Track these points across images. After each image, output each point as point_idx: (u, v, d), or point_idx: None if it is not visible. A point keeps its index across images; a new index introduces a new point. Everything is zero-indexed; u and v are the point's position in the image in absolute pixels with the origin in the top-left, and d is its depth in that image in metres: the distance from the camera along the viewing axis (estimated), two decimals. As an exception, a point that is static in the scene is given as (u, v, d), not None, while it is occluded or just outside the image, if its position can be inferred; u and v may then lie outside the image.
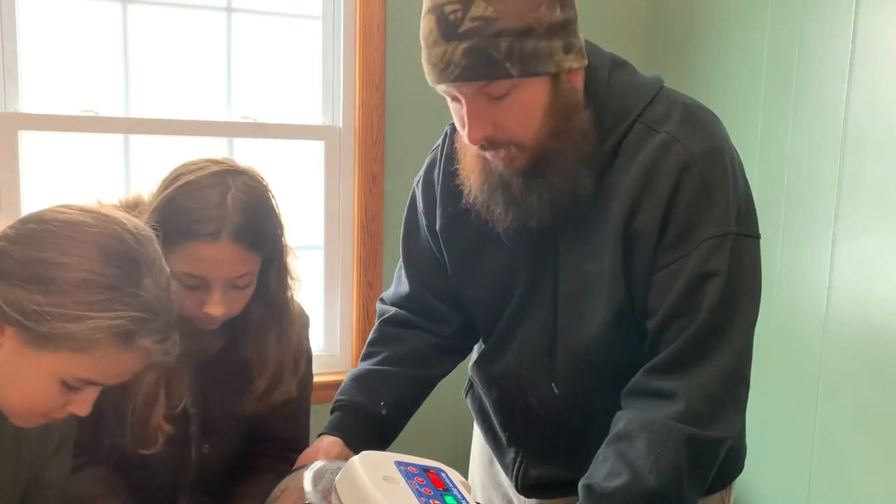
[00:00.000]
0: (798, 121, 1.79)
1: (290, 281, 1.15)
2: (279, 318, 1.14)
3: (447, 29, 0.89)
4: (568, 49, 0.93)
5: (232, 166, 1.07)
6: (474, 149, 0.98)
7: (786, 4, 1.82)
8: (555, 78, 0.93)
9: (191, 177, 1.04)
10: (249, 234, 1.03)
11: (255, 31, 2.02)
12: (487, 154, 0.97)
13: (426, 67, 0.94)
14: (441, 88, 0.95)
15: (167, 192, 1.04)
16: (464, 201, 1.04)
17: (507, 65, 0.89)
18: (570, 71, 0.94)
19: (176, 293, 1.01)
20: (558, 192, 0.97)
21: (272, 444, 1.24)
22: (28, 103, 1.83)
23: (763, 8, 1.88)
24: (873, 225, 1.60)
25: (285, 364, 1.16)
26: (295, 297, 1.18)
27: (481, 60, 0.88)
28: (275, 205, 1.09)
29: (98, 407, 1.03)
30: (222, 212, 1.01)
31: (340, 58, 2.04)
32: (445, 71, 0.90)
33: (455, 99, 0.95)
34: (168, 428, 1.08)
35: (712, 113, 1.02)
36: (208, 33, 1.98)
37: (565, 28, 0.92)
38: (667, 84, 1.03)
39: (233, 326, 1.12)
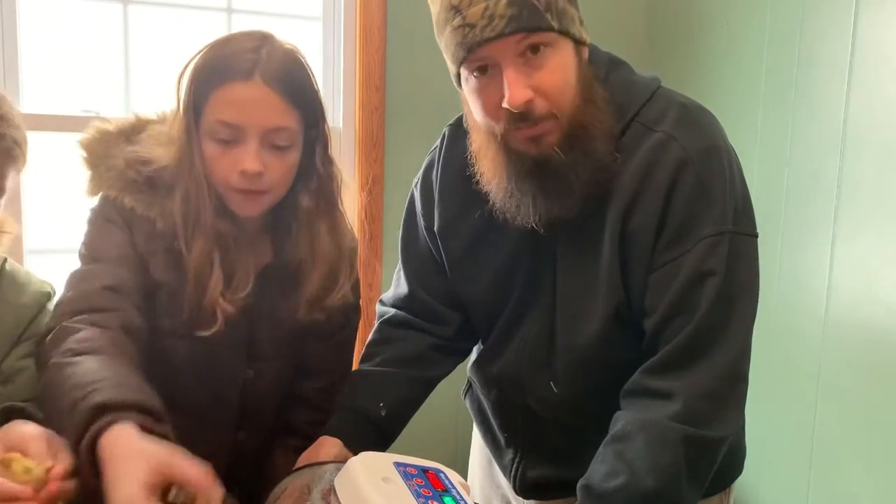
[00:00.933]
0: (797, 122, 1.79)
1: (337, 173, 1.10)
2: (330, 209, 1.08)
3: None
4: (581, 22, 0.96)
5: (270, 33, 1.04)
6: (496, 143, 0.96)
7: (785, 5, 1.82)
8: (577, 47, 0.95)
9: (228, 35, 1.03)
10: (285, 80, 0.98)
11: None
12: (518, 130, 0.94)
13: (458, 36, 0.91)
14: (477, 57, 0.92)
15: (204, 53, 1.02)
16: (468, 206, 1.03)
17: (549, 16, 0.90)
18: (583, 44, 0.96)
19: (209, 158, 0.99)
20: (598, 162, 0.95)
21: (303, 417, 1.18)
22: (29, 103, 1.83)
23: (762, 8, 1.89)
24: (872, 226, 1.61)
25: (340, 263, 1.10)
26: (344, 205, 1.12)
27: (525, 10, 0.89)
28: (314, 80, 1.04)
29: (153, 298, 1.03)
30: (256, 55, 0.98)
31: (341, 59, 2.04)
32: (489, 25, 0.89)
33: (482, 71, 0.93)
34: (228, 307, 1.02)
35: (709, 112, 1.02)
36: (209, 34, 1.98)
37: (577, 3, 0.95)
38: (666, 85, 1.04)
39: (281, 226, 1.07)
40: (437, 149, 1.14)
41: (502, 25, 0.89)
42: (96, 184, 1.05)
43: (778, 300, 1.81)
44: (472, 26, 0.90)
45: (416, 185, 1.18)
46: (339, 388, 1.17)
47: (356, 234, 1.22)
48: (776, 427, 1.84)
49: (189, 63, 1.02)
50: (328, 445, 1.06)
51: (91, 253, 1.03)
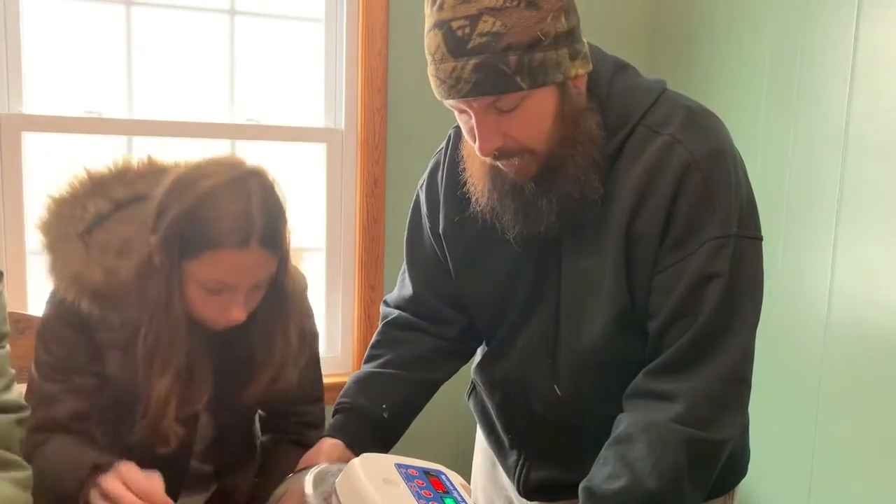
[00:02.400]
0: (799, 125, 1.79)
1: (291, 270, 1.15)
2: (284, 310, 1.13)
3: (455, 45, 0.89)
4: (574, 56, 0.93)
5: (245, 168, 1.06)
6: (484, 158, 0.98)
7: (787, 9, 1.82)
8: (562, 86, 0.94)
9: (208, 184, 1.02)
10: (273, 237, 1.04)
11: (258, 33, 2.02)
12: (499, 163, 0.97)
13: (434, 83, 0.94)
14: (450, 103, 0.95)
15: (186, 202, 1.01)
16: (469, 206, 1.04)
17: (517, 78, 0.89)
18: (576, 77, 0.95)
19: (196, 300, 1.04)
20: (569, 197, 0.97)
21: (288, 414, 1.24)
22: (31, 105, 1.83)
23: (765, 12, 1.89)
24: (875, 229, 1.60)
25: (289, 356, 1.15)
26: (295, 280, 1.17)
27: (491, 75, 0.88)
28: (286, 204, 1.09)
29: (103, 379, 1.08)
30: (249, 220, 1.00)
31: (343, 60, 2.04)
32: (455, 87, 0.90)
33: (463, 112, 0.95)
34: (180, 430, 1.08)
35: (715, 115, 1.03)
36: (211, 36, 1.99)
37: (570, 35, 0.93)
38: (669, 88, 1.04)
39: (245, 324, 1.11)
40: (443, 150, 1.15)
41: (467, 89, 0.90)
42: (55, 278, 1.06)
43: (780, 303, 1.81)
44: (443, 81, 0.92)
45: (421, 187, 1.19)
46: (316, 414, 1.25)
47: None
48: (778, 430, 1.84)
49: (172, 212, 1.02)
50: (330, 447, 1.07)
51: (52, 365, 1.08)
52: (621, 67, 1.02)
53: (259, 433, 1.28)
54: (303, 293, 1.23)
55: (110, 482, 0.96)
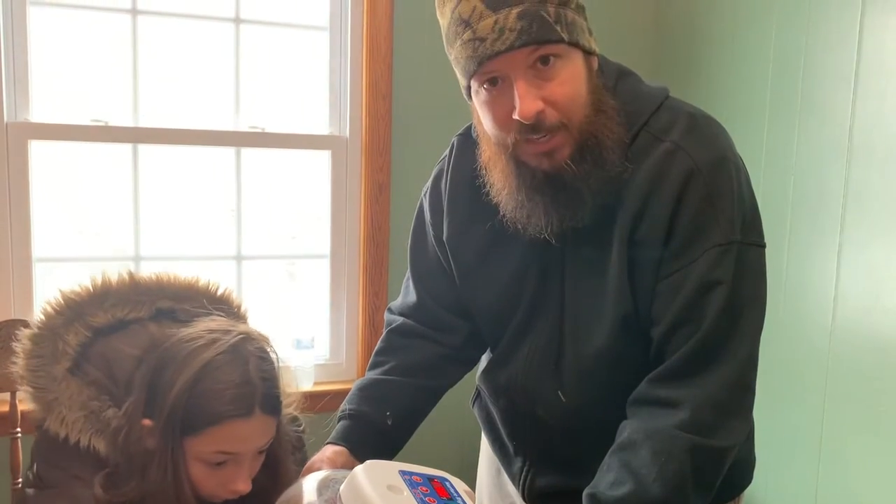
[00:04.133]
0: (804, 131, 1.79)
1: (286, 427, 1.10)
2: (281, 479, 1.08)
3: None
4: (591, 32, 0.96)
5: (239, 332, 1.02)
6: (506, 155, 0.96)
7: (791, 15, 1.83)
8: (587, 57, 0.95)
9: (204, 357, 0.98)
10: (273, 400, 1.01)
11: (262, 41, 2.04)
12: (530, 143, 0.94)
13: (469, 49, 0.91)
14: (486, 69, 0.92)
15: (184, 379, 0.97)
16: (476, 216, 1.03)
17: (559, 28, 0.90)
18: (593, 54, 0.96)
19: (199, 477, 0.99)
20: (607, 177, 0.95)
21: None
22: (38, 113, 1.84)
23: (768, 18, 1.89)
24: (879, 234, 1.60)
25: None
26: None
27: (536, 22, 0.89)
28: (277, 359, 1.05)
29: None
30: (251, 387, 0.98)
31: (347, 68, 2.05)
32: (499, 39, 0.89)
33: (492, 84, 0.93)
34: None
35: (718, 122, 1.03)
36: (217, 44, 2.00)
37: (585, 12, 0.96)
38: (672, 94, 1.04)
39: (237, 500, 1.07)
40: (446, 159, 1.15)
41: (512, 38, 0.89)
42: (56, 425, 0.98)
43: (785, 309, 1.81)
44: (483, 40, 0.90)
45: (425, 195, 1.19)
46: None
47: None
48: (784, 435, 1.83)
49: (166, 392, 0.97)
50: (333, 454, 1.07)
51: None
52: (624, 74, 1.03)
53: None
54: (292, 425, 1.16)
55: None
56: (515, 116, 0.92)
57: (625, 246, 0.97)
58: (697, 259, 0.94)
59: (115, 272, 1.07)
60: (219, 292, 1.12)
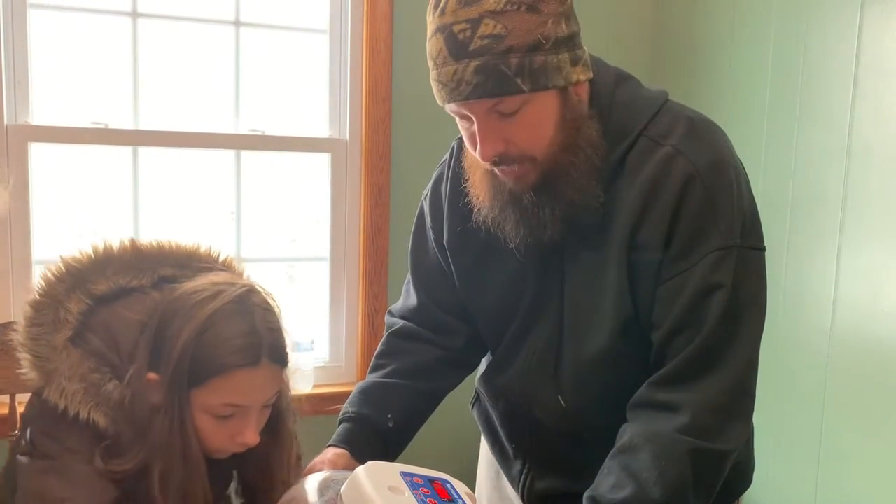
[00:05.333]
0: (802, 134, 1.80)
1: (287, 390, 1.09)
2: (282, 438, 1.08)
3: (457, 48, 0.90)
4: (574, 61, 0.94)
5: (244, 285, 1.01)
6: (484, 166, 0.99)
7: (790, 18, 1.83)
8: (563, 91, 0.94)
9: (211, 307, 0.97)
10: (280, 351, 1.00)
11: (262, 44, 2.04)
12: (498, 170, 0.97)
13: (436, 87, 0.94)
14: (451, 108, 0.95)
15: (190, 330, 0.95)
16: (473, 217, 1.04)
17: (519, 80, 0.89)
18: (577, 83, 0.95)
19: (206, 430, 0.97)
20: (570, 205, 0.97)
21: None
22: (38, 115, 1.85)
23: (767, 21, 1.90)
24: (878, 237, 1.61)
25: (289, 482, 1.09)
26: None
27: (493, 77, 0.89)
28: (280, 311, 1.04)
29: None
30: (257, 337, 0.97)
31: (347, 71, 2.05)
32: (457, 90, 0.91)
33: (465, 117, 0.96)
34: None
35: (717, 126, 1.03)
36: (217, 47, 2.00)
37: (571, 41, 0.94)
38: (672, 98, 1.04)
39: (239, 455, 1.05)
40: (447, 162, 1.15)
41: (468, 91, 0.90)
42: (56, 397, 0.95)
43: (784, 312, 1.81)
44: (444, 84, 0.92)
45: (425, 198, 1.19)
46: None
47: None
48: (783, 439, 1.83)
49: (173, 342, 0.95)
50: (335, 456, 1.07)
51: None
52: (623, 78, 1.03)
53: None
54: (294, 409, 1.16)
55: None
56: (476, 156, 0.95)
57: (625, 250, 0.97)
58: (697, 263, 0.94)
59: (115, 239, 1.05)
60: (221, 258, 1.11)
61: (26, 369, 0.98)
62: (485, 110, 0.92)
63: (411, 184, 1.91)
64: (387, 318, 1.26)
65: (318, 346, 2.14)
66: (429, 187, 1.18)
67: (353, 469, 0.92)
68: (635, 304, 0.98)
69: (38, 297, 0.99)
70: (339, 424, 1.13)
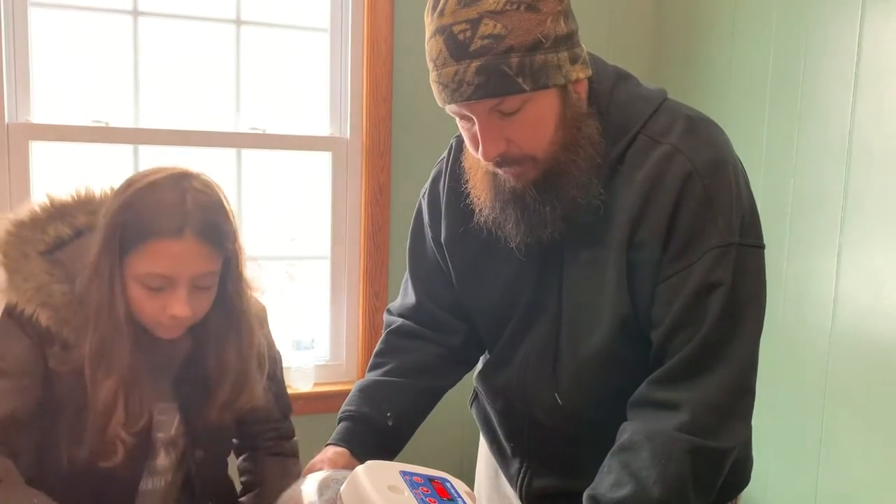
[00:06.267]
0: (803, 133, 1.79)
1: (245, 286, 1.14)
2: (237, 325, 1.14)
3: (457, 49, 0.90)
4: (574, 59, 0.94)
5: (186, 170, 1.07)
6: (484, 165, 0.99)
7: (790, 17, 1.83)
8: (563, 89, 0.94)
9: (146, 180, 1.04)
10: (211, 231, 1.04)
11: (263, 43, 2.04)
12: (500, 170, 0.98)
13: (436, 89, 0.94)
14: (452, 109, 0.95)
15: (123, 196, 1.04)
16: (471, 216, 1.04)
17: (520, 80, 0.90)
18: (577, 81, 0.95)
19: (138, 300, 1.04)
20: (572, 202, 0.97)
21: (262, 431, 1.28)
22: (39, 114, 1.85)
23: (768, 20, 1.89)
24: (879, 236, 1.60)
25: (247, 373, 1.16)
26: (251, 301, 1.18)
27: (494, 77, 0.89)
28: (229, 208, 1.09)
29: (54, 417, 1.06)
30: (183, 210, 1.02)
31: (348, 70, 2.05)
32: (458, 90, 0.91)
33: (465, 118, 0.96)
34: (129, 439, 1.06)
35: (716, 124, 1.03)
36: (218, 45, 2.00)
37: (570, 39, 0.94)
38: (671, 97, 1.04)
39: (193, 337, 1.13)
40: (445, 160, 1.15)
41: (469, 92, 0.90)
42: (13, 293, 1.05)
43: (784, 311, 1.81)
44: (445, 86, 0.92)
45: (423, 196, 1.19)
46: (288, 427, 1.31)
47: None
48: (783, 437, 1.83)
49: (111, 208, 1.04)
50: (334, 454, 1.07)
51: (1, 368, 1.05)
52: (622, 77, 1.03)
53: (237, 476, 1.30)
54: (262, 318, 1.23)
55: None
56: (478, 156, 0.95)
57: (624, 248, 0.97)
58: (696, 261, 0.94)
59: (99, 186, 1.14)
60: None
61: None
62: (486, 110, 0.92)
63: (412, 182, 1.91)
64: (385, 317, 1.26)
65: (319, 345, 2.15)
66: (427, 185, 1.18)
67: (352, 468, 0.92)
68: (634, 303, 0.98)
69: (24, 218, 1.08)
70: (339, 423, 1.13)
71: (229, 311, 1.12)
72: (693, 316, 0.94)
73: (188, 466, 1.17)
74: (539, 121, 0.94)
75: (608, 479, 0.93)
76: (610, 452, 0.96)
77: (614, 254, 0.98)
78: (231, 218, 1.09)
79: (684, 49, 2.18)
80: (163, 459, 1.15)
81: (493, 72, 0.89)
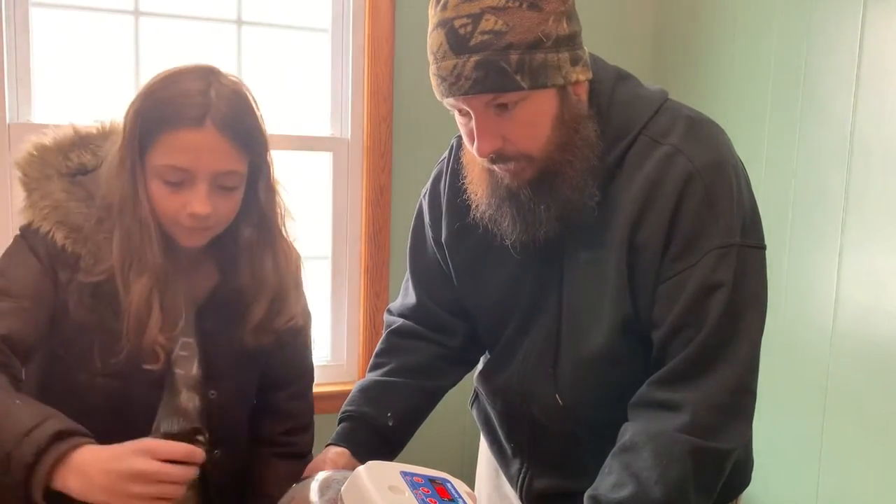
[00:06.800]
0: (804, 133, 1.79)
1: (277, 202, 1.10)
2: (272, 238, 1.09)
3: (457, 43, 0.90)
4: (574, 61, 0.94)
5: (215, 66, 1.03)
6: (481, 162, 0.99)
7: (791, 18, 1.83)
8: (562, 90, 0.94)
9: (170, 71, 1.01)
10: (235, 126, 0.99)
11: (264, 43, 2.04)
12: (495, 167, 0.98)
13: (435, 82, 0.94)
14: (449, 102, 0.95)
15: (145, 87, 1.01)
16: (471, 214, 1.04)
17: (518, 77, 0.90)
18: (576, 83, 0.95)
19: (160, 197, 0.99)
20: (566, 203, 0.97)
21: (277, 428, 1.21)
22: (40, 114, 1.85)
23: (769, 21, 1.89)
24: (880, 237, 1.60)
25: (286, 289, 1.11)
26: (288, 231, 1.13)
27: (492, 73, 0.89)
28: (259, 113, 1.05)
29: (71, 338, 1.03)
30: (206, 99, 0.97)
31: (349, 70, 2.05)
32: (456, 84, 0.91)
33: (463, 113, 0.96)
34: (167, 344, 1.03)
35: (717, 125, 1.03)
36: (219, 46, 2.00)
37: (572, 41, 0.94)
38: (672, 97, 1.04)
39: (224, 255, 1.08)
40: (446, 160, 1.15)
41: (468, 86, 0.90)
42: (29, 211, 1.03)
43: (785, 312, 1.81)
44: (444, 79, 0.92)
45: (424, 196, 1.19)
46: (307, 393, 1.24)
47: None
48: (784, 438, 1.83)
49: (135, 99, 1.01)
50: (335, 455, 1.07)
51: (2, 284, 1.01)
52: (623, 77, 1.03)
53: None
54: (297, 265, 1.17)
55: (140, 461, 0.87)
56: (473, 152, 0.95)
57: (624, 249, 0.97)
58: (697, 262, 0.94)
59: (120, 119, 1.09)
60: None
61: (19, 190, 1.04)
62: (483, 105, 0.92)
63: (413, 182, 1.91)
64: (385, 317, 1.26)
65: (320, 345, 2.15)
66: (427, 185, 1.18)
67: (353, 468, 0.92)
68: (634, 303, 0.98)
69: (45, 143, 1.05)
70: (339, 423, 1.14)
71: (262, 223, 1.07)
72: (694, 316, 0.94)
73: (209, 412, 1.10)
74: (536, 120, 0.94)
75: (609, 479, 0.93)
76: (611, 453, 0.96)
77: (615, 254, 0.98)
78: (260, 123, 1.04)
79: (684, 49, 2.18)
80: (185, 401, 1.09)
81: (492, 67, 0.89)
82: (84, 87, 1.90)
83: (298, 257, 1.18)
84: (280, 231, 1.11)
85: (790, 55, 1.83)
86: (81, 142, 1.07)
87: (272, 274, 1.09)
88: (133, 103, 1.01)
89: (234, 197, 1.03)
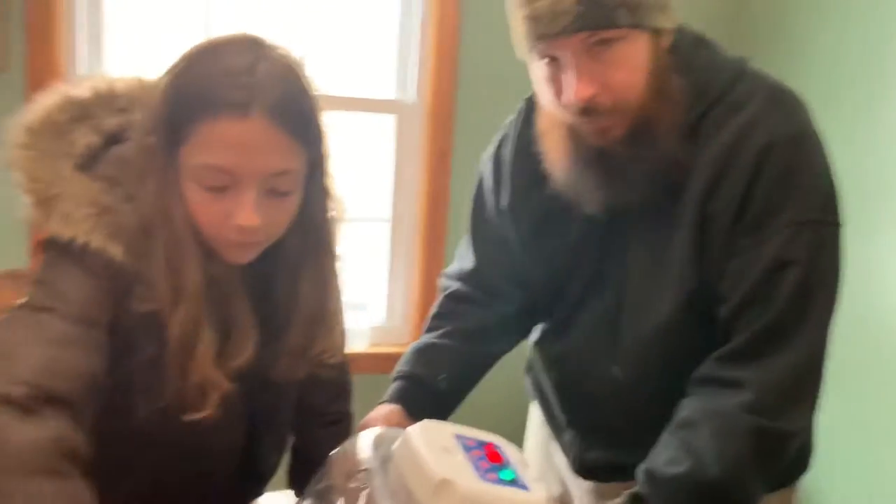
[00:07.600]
0: (886, 112, 1.70)
1: (331, 205, 0.90)
2: (316, 252, 0.89)
3: None
4: (664, 8, 0.92)
5: (261, 37, 0.82)
6: (564, 123, 0.96)
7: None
8: (654, 37, 0.92)
9: (207, 43, 0.80)
10: (290, 113, 0.78)
11: (330, 3, 2.03)
12: (584, 122, 0.94)
13: (526, 27, 0.91)
14: (540, 49, 0.92)
15: (177, 65, 0.79)
16: (543, 183, 1.02)
17: (619, 12, 0.88)
18: (665, 33, 0.93)
19: (194, 204, 0.79)
20: (659, 159, 0.94)
21: (318, 399, 1.10)
22: (112, 67, 1.88)
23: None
24: (880, 233, 1.53)
25: (323, 314, 0.91)
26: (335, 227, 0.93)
27: (594, 7, 0.87)
28: (315, 95, 0.84)
29: (125, 365, 0.80)
30: (252, 79, 0.76)
31: (417, 33, 2.04)
32: (554, 21, 0.88)
33: (551, 62, 0.92)
34: (223, 381, 0.81)
35: (798, 96, 0.98)
36: (285, 6, 2.01)
37: None
38: (752, 65, 1.00)
39: (265, 264, 0.87)
40: (514, 122, 1.13)
41: (566, 23, 0.87)
42: (61, 224, 0.78)
43: (853, 296, 1.74)
44: (538, 20, 0.89)
45: (486, 161, 1.18)
46: (344, 361, 1.09)
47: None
48: (841, 427, 1.78)
49: (166, 75, 0.80)
50: (389, 412, 1.08)
51: (64, 312, 0.76)
52: (702, 43, 0.99)
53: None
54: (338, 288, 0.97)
55: None
56: (566, 100, 0.91)
57: (695, 221, 0.94)
58: (771, 237, 0.91)
59: (123, 79, 0.88)
60: None
61: (25, 202, 0.80)
62: (580, 46, 0.89)
63: (475, 147, 1.88)
64: (442, 281, 1.26)
65: (375, 307, 2.17)
66: (491, 150, 1.17)
67: (405, 426, 0.92)
68: (702, 276, 0.95)
69: (32, 125, 0.81)
70: (393, 382, 1.15)
71: (308, 232, 0.87)
72: (764, 294, 0.91)
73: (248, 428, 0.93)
74: (632, 63, 0.91)
75: (665, 454, 0.91)
76: (668, 429, 0.94)
77: (685, 224, 0.95)
78: (317, 106, 0.83)
79: (768, 12, 2.09)
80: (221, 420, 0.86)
81: (594, 2, 0.86)
82: (156, 45, 1.93)
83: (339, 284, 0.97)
84: (328, 239, 0.91)
85: (876, 35, 1.73)
86: (79, 114, 0.83)
87: (311, 294, 0.89)
88: (161, 88, 0.79)
89: (289, 203, 0.83)
